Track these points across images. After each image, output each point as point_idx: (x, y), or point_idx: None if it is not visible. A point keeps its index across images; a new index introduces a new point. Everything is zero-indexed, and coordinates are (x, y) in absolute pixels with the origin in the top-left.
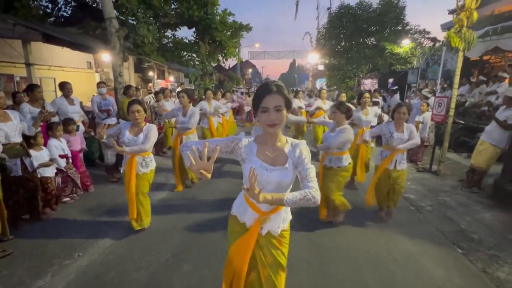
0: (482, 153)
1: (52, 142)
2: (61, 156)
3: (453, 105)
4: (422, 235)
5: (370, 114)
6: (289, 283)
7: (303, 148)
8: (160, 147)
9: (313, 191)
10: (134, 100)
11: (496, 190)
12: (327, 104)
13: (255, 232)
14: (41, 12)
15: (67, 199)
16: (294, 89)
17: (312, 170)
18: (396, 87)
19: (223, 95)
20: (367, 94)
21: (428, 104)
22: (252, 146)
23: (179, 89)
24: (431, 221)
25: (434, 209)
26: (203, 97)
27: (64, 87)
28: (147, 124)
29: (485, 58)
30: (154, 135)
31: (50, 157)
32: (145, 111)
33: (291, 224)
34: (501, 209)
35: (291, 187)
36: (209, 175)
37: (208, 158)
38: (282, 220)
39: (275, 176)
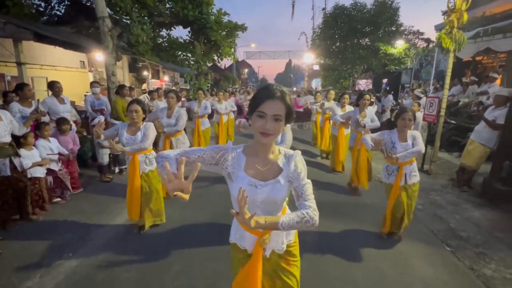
0: (471, 152)
1: (40, 142)
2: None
3: (444, 105)
4: (412, 233)
5: (368, 116)
6: None
7: (298, 161)
8: (155, 146)
9: (311, 212)
10: (134, 100)
11: (485, 188)
12: (331, 104)
13: (258, 257)
14: (34, 10)
15: (58, 199)
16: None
17: (309, 186)
18: (387, 88)
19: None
20: (367, 96)
21: (419, 104)
22: (240, 159)
23: (173, 89)
24: (421, 220)
25: (425, 208)
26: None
27: (54, 86)
28: (144, 122)
29: (477, 59)
30: (152, 132)
31: (43, 157)
32: (145, 111)
33: None
34: (490, 208)
35: (285, 203)
36: (186, 197)
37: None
38: (286, 234)
39: (266, 193)
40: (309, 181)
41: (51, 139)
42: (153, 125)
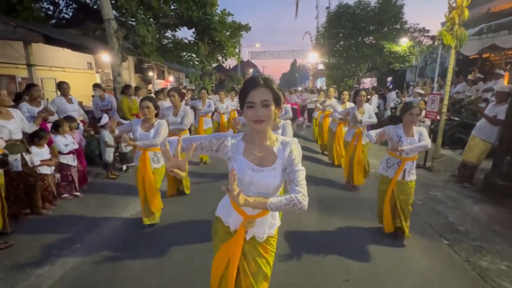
0: (473, 148)
1: (58, 138)
2: (69, 153)
3: (446, 102)
4: (410, 227)
5: (366, 113)
6: (275, 269)
7: (294, 148)
8: None
9: (300, 196)
10: (145, 97)
11: (486, 184)
12: (332, 101)
13: (240, 238)
14: (43, 14)
15: (66, 195)
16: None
17: (301, 173)
18: (391, 86)
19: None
20: (363, 92)
21: (425, 102)
22: (239, 145)
23: (174, 87)
24: (420, 214)
25: (424, 203)
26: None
27: (61, 86)
28: (158, 120)
29: (484, 55)
30: (164, 130)
31: (55, 155)
32: (156, 108)
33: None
34: (489, 203)
35: (280, 190)
36: (182, 174)
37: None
38: (269, 226)
39: (261, 178)
40: (303, 168)
41: (66, 135)
42: (166, 123)
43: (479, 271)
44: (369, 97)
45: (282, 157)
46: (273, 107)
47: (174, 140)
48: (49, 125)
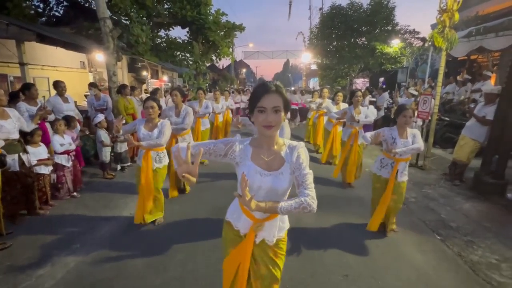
0: (463, 147)
1: (55, 137)
2: (64, 153)
3: (437, 102)
4: (404, 224)
5: (363, 113)
6: None
7: (301, 152)
8: None
9: (309, 199)
10: (149, 97)
11: (476, 182)
12: (327, 102)
13: (250, 241)
14: (33, 12)
15: (62, 195)
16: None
17: (309, 176)
18: (384, 86)
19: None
20: (359, 93)
21: (417, 103)
22: (247, 150)
23: (177, 86)
24: (414, 212)
25: (418, 200)
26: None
27: (58, 85)
28: (161, 120)
29: (472, 57)
30: (168, 130)
31: (50, 155)
32: (160, 108)
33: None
34: (480, 200)
35: (288, 193)
36: (193, 179)
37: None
38: (278, 229)
39: (269, 182)
40: (310, 171)
41: (65, 135)
42: (169, 123)
43: (471, 264)
44: (374, 99)
45: (290, 161)
46: (282, 114)
47: (184, 146)
48: (47, 124)
